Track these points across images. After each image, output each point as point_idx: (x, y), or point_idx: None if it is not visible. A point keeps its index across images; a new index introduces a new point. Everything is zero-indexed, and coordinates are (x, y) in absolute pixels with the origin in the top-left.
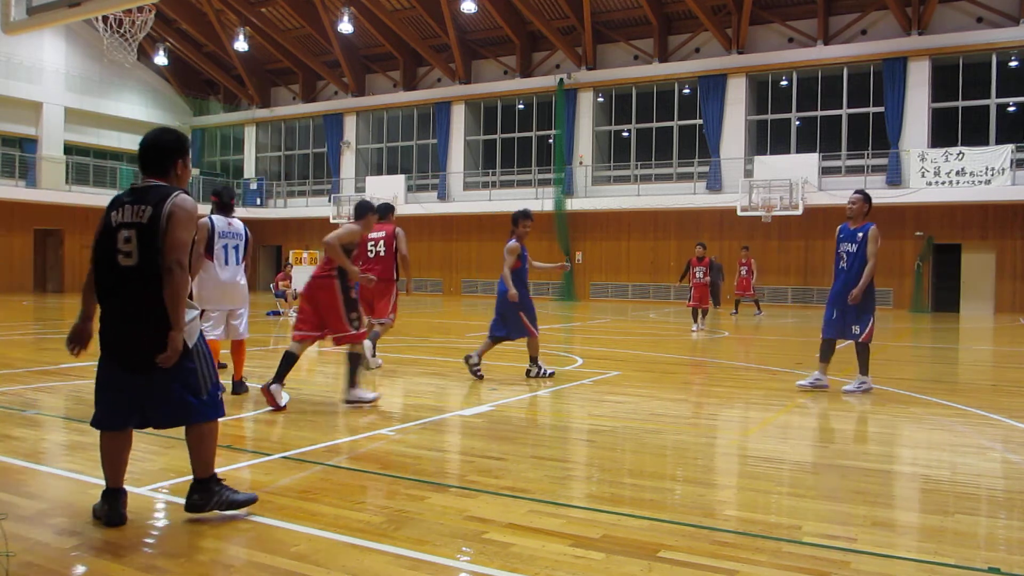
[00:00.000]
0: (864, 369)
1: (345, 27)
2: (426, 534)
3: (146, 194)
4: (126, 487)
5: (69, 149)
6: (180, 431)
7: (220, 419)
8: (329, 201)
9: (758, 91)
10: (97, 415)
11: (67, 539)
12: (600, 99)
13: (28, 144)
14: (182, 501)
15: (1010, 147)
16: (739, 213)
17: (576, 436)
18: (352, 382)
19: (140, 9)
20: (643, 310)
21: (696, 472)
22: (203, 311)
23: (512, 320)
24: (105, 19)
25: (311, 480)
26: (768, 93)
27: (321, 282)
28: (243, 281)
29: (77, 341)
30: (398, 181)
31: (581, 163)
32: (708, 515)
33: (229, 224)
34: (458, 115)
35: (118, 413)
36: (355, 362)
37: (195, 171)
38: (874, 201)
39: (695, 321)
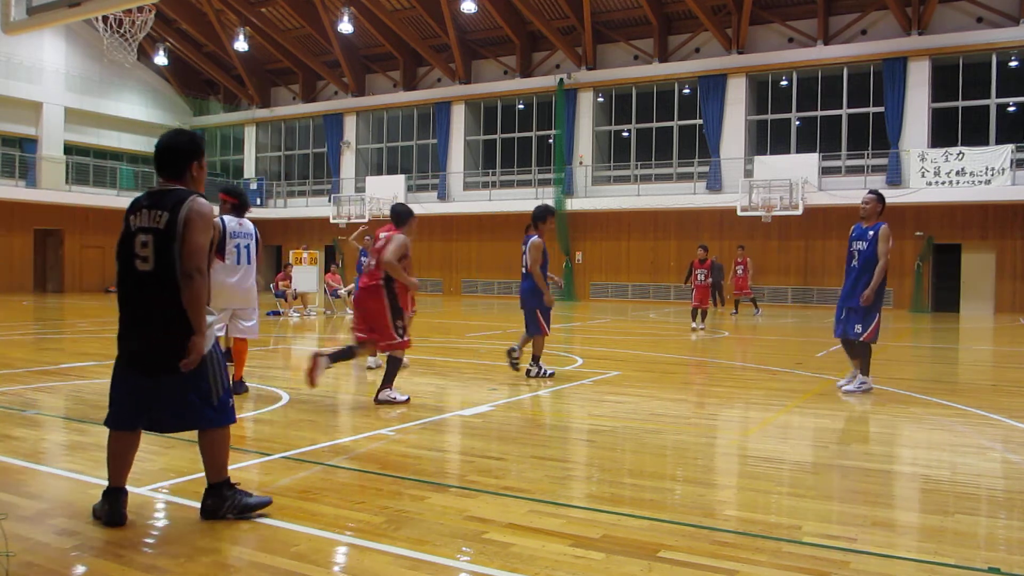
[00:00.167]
0: (865, 369)
1: (345, 27)
2: (426, 534)
3: (163, 198)
4: (127, 487)
5: (69, 149)
6: (182, 432)
7: (231, 425)
8: (329, 201)
9: (758, 91)
10: (111, 414)
11: (67, 539)
12: (600, 99)
13: (28, 144)
14: (182, 501)
15: (1010, 147)
16: (739, 213)
17: (576, 436)
18: (388, 383)
19: (140, 9)
20: (643, 310)
21: (696, 472)
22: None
23: (528, 316)
24: (105, 19)
25: (311, 480)
26: (768, 93)
27: (370, 290)
28: (254, 281)
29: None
30: (398, 181)
31: (581, 163)
32: (708, 515)
33: (240, 224)
34: (458, 115)
35: (130, 414)
36: (394, 365)
37: None
38: None
39: (694, 320)
